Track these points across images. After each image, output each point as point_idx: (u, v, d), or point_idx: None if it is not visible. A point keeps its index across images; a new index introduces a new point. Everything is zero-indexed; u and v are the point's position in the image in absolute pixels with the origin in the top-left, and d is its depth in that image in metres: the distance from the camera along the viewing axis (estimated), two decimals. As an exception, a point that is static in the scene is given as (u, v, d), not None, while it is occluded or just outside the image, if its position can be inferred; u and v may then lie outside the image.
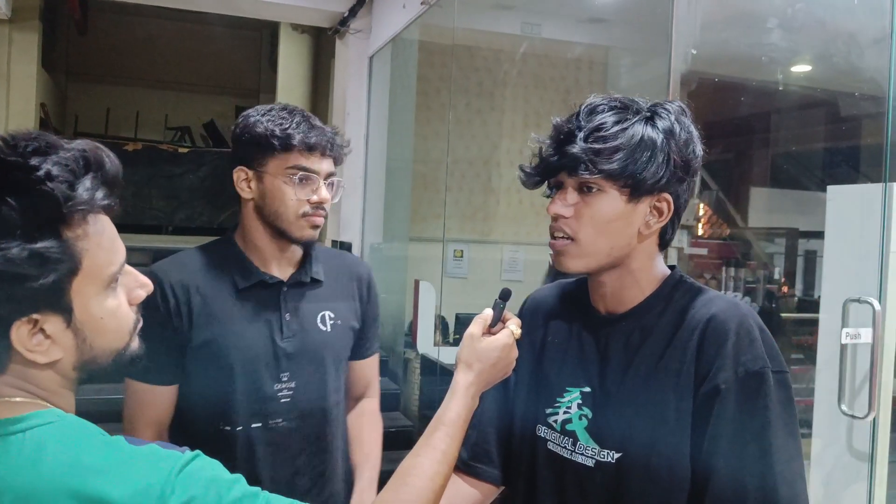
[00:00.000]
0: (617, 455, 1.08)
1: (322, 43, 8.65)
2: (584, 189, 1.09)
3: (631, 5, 5.29)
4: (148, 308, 1.49)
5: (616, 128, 1.07)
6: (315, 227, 1.52)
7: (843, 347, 2.50)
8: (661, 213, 1.10)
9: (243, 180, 1.54)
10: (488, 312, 1.14)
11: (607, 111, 1.09)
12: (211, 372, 1.51)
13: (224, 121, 10.91)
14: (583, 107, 1.12)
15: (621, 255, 1.11)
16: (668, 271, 1.17)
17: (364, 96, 6.34)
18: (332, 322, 1.60)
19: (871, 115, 4.02)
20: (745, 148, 6.24)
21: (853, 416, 2.50)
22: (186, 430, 1.55)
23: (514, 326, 1.13)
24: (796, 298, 4.81)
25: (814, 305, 3.36)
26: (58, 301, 0.81)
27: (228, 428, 1.51)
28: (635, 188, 1.07)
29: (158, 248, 6.71)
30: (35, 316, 0.81)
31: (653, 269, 1.15)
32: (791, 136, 5.73)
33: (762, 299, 4.80)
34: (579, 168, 1.06)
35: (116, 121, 10.09)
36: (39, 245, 0.78)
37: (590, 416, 1.13)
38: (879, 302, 2.44)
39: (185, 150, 9.57)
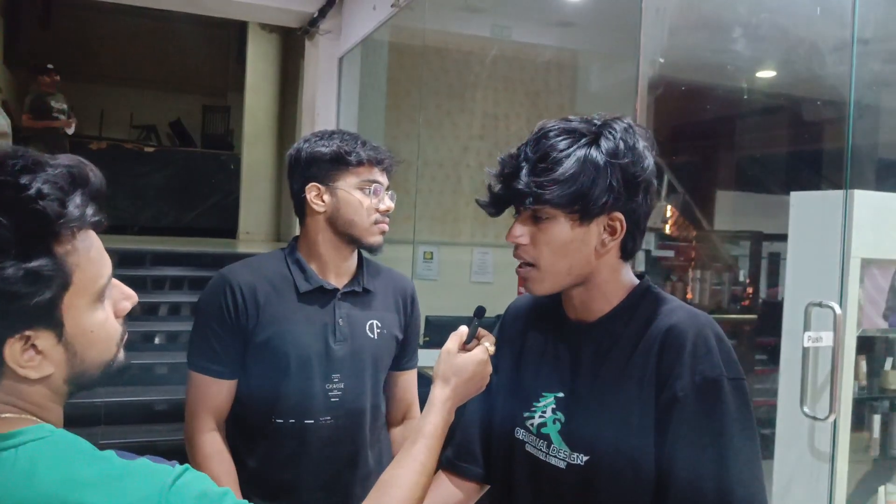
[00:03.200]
0: (585, 458, 1.12)
1: (291, 42, 8.59)
2: (536, 217, 1.13)
3: (600, 10, 5.34)
4: (217, 306, 1.62)
5: (560, 155, 1.09)
6: (383, 233, 1.68)
7: (805, 350, 2.55)
8: (614, 231, 1.13)
9: (315, 195, 1.67)
10: (464, 329, 1.18)
11: (554, 137, 1.12)
12: (269, 368, 1.63)
13: (191, 119, 10.78)
14: (533, 133, 1.15)
15: (583, 273, 1.15)
16: (637, 281, 1.20)
17: (334, 97, 6.32)
18: (378, 330, 1.73)
19: (832, 120, 4.11)
20: (711, 152, 6.33)
21: (814, 418, 2.55)
22: (241, 420, 1.69)
23: (488, 343, 1.18)
24: (760, 301, 4.89)
25: (777, 308, 3.43)
26: (49, 317, 0.82)
27: (280, 421, 1.63)
28: (583, 213, 1.10)
29: (124, 250, 6.60)
30: (27, 332, 0.81)
31: (619, 280, 1.18)
32: (755, 141, 5.83)
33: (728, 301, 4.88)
34: (525, 201, 1.11)
35: (81, 119, 9.87)
36: (34, 264, 0.78)
37: (563, 420, 1.17)
38: (840, 306, 2.49)
39: (151, 150, 9.45)
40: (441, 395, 1.14)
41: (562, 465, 1.15)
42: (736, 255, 5.23)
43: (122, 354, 0.91)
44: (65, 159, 0.84)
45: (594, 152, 1.10)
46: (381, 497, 1.04)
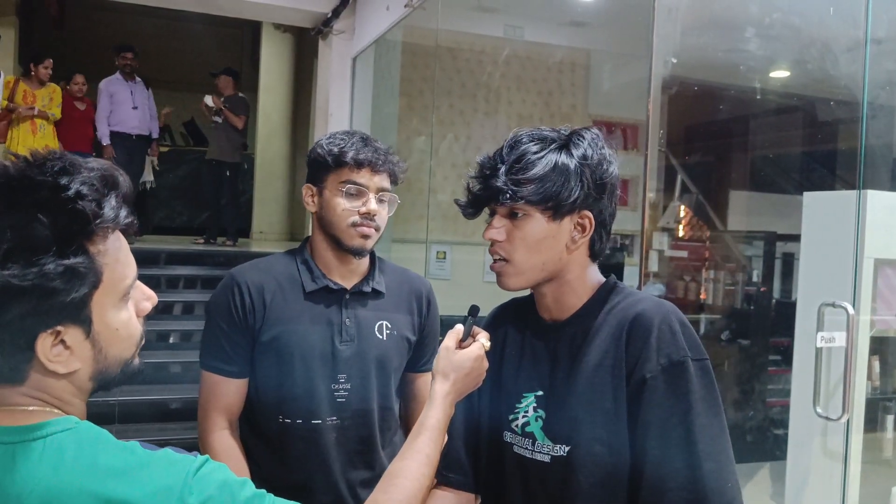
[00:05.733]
0: (567, 448, 1.18)
1: (305, 43, 8.63)
2: (512, 215, 1.21)
3: (612, 10, 5.34)
4: (225, 306, 1.63)
5: (534, 157, 1.19)
6: (364, 236, 1.64)
7: (819, 351, 2.55)
8: (583, 228, 1.22)
9: (308, 195, 1.69)
10: (460, 327, 1.25)
11: (527, 142, 1.21)
12: (275, 367, 1.64)
13: (204, 119, 10.83)
14: (506, 140, 1.24)
15: (554, 268, 1.22)
16: (603, 279, 1.28)
17: (347, 97, 6.34)
18: (388, 332, 1.71)
19: (846, 120, 4.09)
20: (725, 152, 6.31)
21: (827, 418, 2.55)
22: (252, 420, 1.70)
23: (483, 339, 1.25)
24: (774, 301, 4.87)
25: (791, 307, 3.42)
26: (80, 313, 0.85)
27: (288, 421, 1.64)
28: (555, 209, 1.19)
29: (136, 249, 6.67)
30: (59, 328, 0.84)
31: (587, 278, 1.26)
32: (769, 141, 5.80)
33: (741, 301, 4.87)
34: (502, 198, 1.19)
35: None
36: (72, 261, 0.82)
37: (544, 416, 1.23)
38: (853, 306, 2.49)
39: (165, 149, 9.50)
40: (441, 390, 1.20)
41: (547, 458, 1.20)
42: (749, 255, 5.22)
43: (137, 358, 0.94)
44: (96, 163, 0.88)
45: (565, 156, 1.19)
46: (389, 487, 1.08)
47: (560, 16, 5.67)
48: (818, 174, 5.13)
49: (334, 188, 1.64)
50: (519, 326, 1.33)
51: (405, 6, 4.94)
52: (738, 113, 5.44)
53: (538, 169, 1.17)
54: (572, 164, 1.18)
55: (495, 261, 1.24)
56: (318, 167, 1.67)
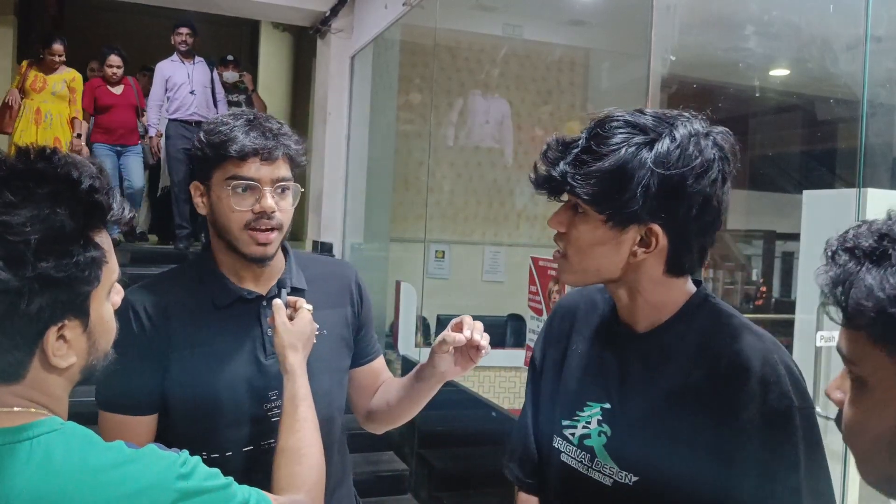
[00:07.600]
0: (635, 478, 1.06)
1: (303, 42, 8.62)
2: (576, 207, 1.06)
3: (611, 8, 5.33)
4: (122, 336, 1.31)
5: (604, 150, 1.01)
6: (262, 243, 1.39)
7: (818, 350, 2.54)
8: (648, 244, 1.04)
9: (197, 195, 1.44)
10: (279, 303, 1.34)
11: (613, 128, 1.03)
12: (193, 398, 1.41)
13: (203, 119, 10.81)
14: (596, 118, 1.07)
15: (612, 276, 1.08)
16: (693, 290, 1.11)
17: (345, 96, 6.33)
18: (318, 333, 1.46)
19: (846, 118, 4.08)
20: (724, 150, 6.29)
21: (827, 418, 2.54)
22: None
23: (305, 305, 1.36)
24: (773, 300, 4.88)
25: (790, 306, 3.42)
26: (83, 306, 0.86)
27: (216, 455, 1.40)
28: (611, 217, 1.02)
29: (134, 249, 6.67)
30: (65, 321, 0.85)
31: (667, 293, 1.09)
32: (768, 140, 5.80)
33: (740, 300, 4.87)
34: (558, 189, 1.06)
35: (94, 118, 9.96)
36: (93, 253, 0.84)
37: (609, 433, 1.10)
38: (853, 305, 2.48)
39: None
40: (296, 360, 1.30)
41: (607, 481, 1.08)
42: (749, 254, 5.21)
43: (111, 350, 0.95)
44: (79, 158, 0.88)
45: (643, 155, 1.00)
46: (299, 459, 1.16)
47: (559, 14, 5.67)
48: (818, 173, 5.13)
49: (220, 186, 1.38)
50: (592, 325, 1.20)
51: (403, 4, 4.93)
52: (737, 111, 5.43)
53: (599, 165, 1.00)
54: (645, 166, 0.99)
55: (556, 250, 1.12)
56: (201, 162, 1.40)
